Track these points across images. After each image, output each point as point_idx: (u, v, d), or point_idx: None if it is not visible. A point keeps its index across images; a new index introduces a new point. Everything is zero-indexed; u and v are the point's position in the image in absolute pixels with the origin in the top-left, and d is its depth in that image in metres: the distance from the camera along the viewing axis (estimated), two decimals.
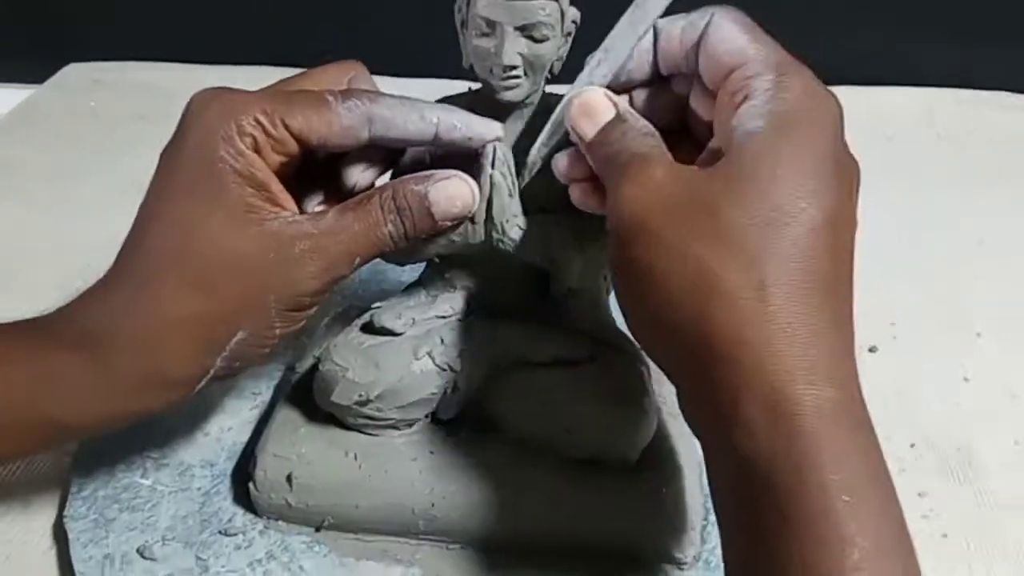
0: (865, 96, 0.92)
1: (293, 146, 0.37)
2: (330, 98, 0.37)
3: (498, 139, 0.41)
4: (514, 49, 0.40)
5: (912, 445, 0.51)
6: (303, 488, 0.43)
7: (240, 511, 0.44)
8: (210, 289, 0.35)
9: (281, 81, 0.40)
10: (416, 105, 0.39)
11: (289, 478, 0.42)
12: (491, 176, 0.42)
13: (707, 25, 0.36)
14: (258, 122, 0.36)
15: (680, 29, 0.37)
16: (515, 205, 0.44)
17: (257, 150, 0.36)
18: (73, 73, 0.98)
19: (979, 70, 0.94)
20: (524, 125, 0.44)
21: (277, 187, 0.37)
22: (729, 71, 0.35)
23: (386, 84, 0.96)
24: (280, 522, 0.44)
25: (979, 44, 0.94)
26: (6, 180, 0.78)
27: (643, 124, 0.36)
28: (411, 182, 0.38)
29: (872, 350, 0.59)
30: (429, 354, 0.43)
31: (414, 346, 0.43)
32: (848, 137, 0.95)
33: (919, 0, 0.94)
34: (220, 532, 0.43)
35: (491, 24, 0.40)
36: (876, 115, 0.91)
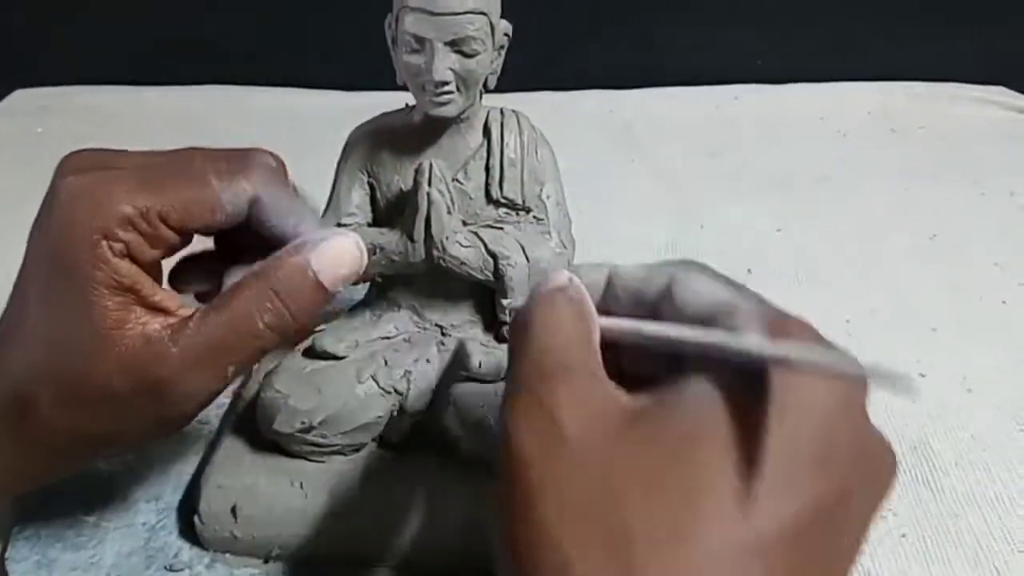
0: (817, 93, 0.93)
1: (173, 238, 0.33)
2: (214, 182, 0.33)
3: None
4: (444, 65, 0.40)
5: None
6: (248, 520, 0.42)
7: (187, 545, 0.43)
8: (79, 413, 0.33)
9: (187, 152, 0.35)
10: (299, 211, 0.35)
11: (234, 510, 0.42)
12: (428, 194, 0.42)
13: (671, 282, 0.29)
14: (131, 224, 0.32)
15: (637, 281, 0.31)
16: (454, 222, 0.43)
17: (129, 253, 0.32)
18: (20, 99, 0.97)
19: (930, 61, 0.95)
20: (460, 141, 0.44)
21: (149, 287, 0.33)
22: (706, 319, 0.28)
23: (333, 98, 0.95)
24: (228, 555, 0.43)
25: (930, 35, 0.95)
26: None
27: None
28: (284, 257, 0.33)
29: None
30: (373, 377, 0.42)
31: (357, 369, 0.43)
32: (802, 136, 0.95)
33: None
34: (166, 568, 0.42)
35: (420, 40, 0.40)
36: (829, 112, 0.91)
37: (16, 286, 0.34)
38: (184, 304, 0.35)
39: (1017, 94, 0.95)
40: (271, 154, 0.36)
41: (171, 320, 0.33)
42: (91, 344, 0.32)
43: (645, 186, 0.81)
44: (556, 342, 0.28)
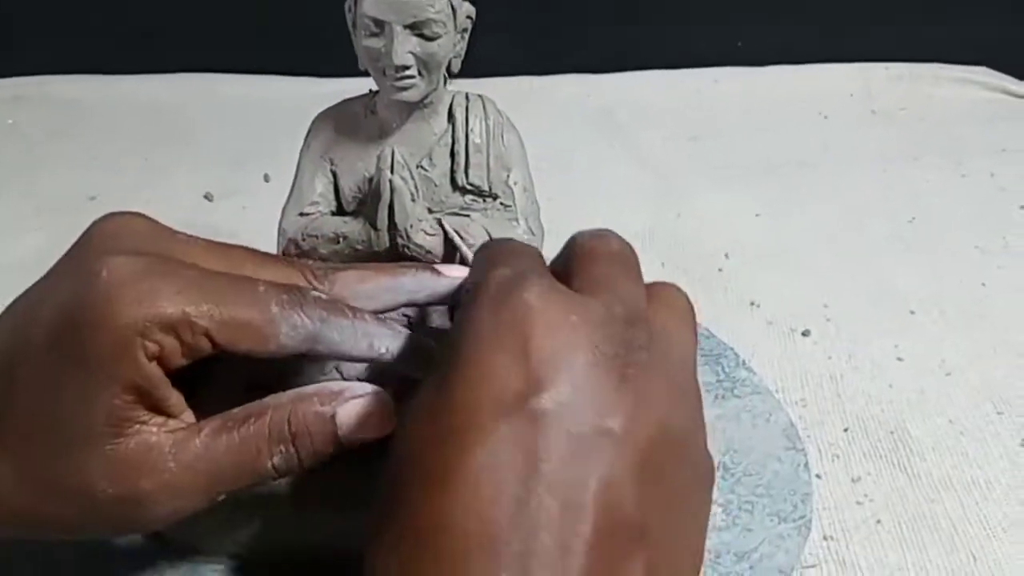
0: (798, 75, 0.92)
1: (209, 351, 0.31)
2: (275, 309, 0.31)
3: None
4: (404, 48, 0.39)
5: (846, 429, 0.51)
6: (213, 517, 0.40)
7: (150, 543, 0.42)
8: (43, 500, 0.30)
9: (238, 251, 0.34)
10: (368, 330, 0.33)
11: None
12: (391, 181, 0.41)
13: None
14: (173, 330, 0.29)
15: None
16: (419, 209, 0.42)
17: (159, 356, 0.29)
18: None
19: (912, 42, 0.94)
20: (424, 126, 0.43)
21: (164, 390, 0.30)
22: None
23: (307, 85, 0.94)
24: (193, 553, 0.42)
25: (912, 15, 0.94)
26: None
27: None
28: (314, 401, 0.32)
29: (805, 334, 0.58)
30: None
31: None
32: (782, 118, 0.95)
33: None
34: (129, 566, 0.41)
35: (379, 24, 0.39)
36: (810, 94, 0.91)
37: (11, 344, 0.30)
38: (187, 408, 0.32)
39: (1001, 74, 0.94)
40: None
41: (173, 427, 0.31)
42: (83, 439, 0.29)
43: (624, 171, 0.80)
44: None
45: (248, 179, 0.76)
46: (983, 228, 0.69)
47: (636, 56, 0.95)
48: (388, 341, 0.33)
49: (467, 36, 0.42)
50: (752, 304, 0.60)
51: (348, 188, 0.44)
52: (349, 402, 0.32)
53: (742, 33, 0.95)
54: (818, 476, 0.47)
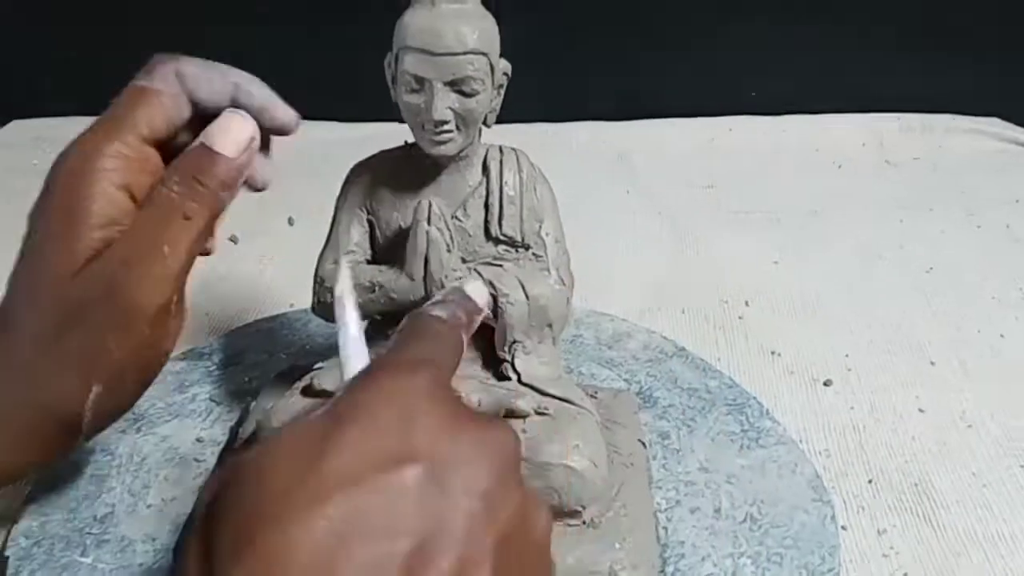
0: (812, 125, 0.94)
1: (153, 152, 0.38)
2: (142, 83, 0.39)
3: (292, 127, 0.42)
4: (444, 104, 0.40)
5: (870, 481, 0.51)
6: None
7: None
8: (54, 343, 0.36)
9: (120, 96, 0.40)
10: (219, 67, 0.41)
11: None
12: (428, 232, 0.42)
13: None
14: (119, 154, 0.37)
15: None
16: (454, 260, 0.43)
17: (123, 182, 0.37)
18: (16, 130, 0.97)
19: (925, 93, 0.96)
20: (459, 178, 0.44)
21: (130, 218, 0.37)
22: None
23: (333, 129, 0.95)
24: None
25: (925, 67, 0.95)
26: None
27: None
28: (189, 151, 0.38)
29: (827, 384, 0.58)
30: None
31: None
32: (796, 167, 0.95)
33: (862, 25, 0.95)
34: None
35: (420, 80, 0.40)
36: (824, 144, 0.92)
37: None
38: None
39: (1012, 125, 0.95)
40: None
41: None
42: (65, 272, 0.36)
43: (640, 218, 0.81)
44: None
45: (272, 222, 0.77)
46: (1000, 279, 0.70)
47: (651, 104, 0.96)
48: (238, 77, 0.41)
49: (503, 92, 0.43)
50: (773, 353, 0.61)
51: (384, 237, 0.45)
52: (210, 127, 0.38)
53: (756, 83, 0.97)
54: (844, 528, 0.47)
